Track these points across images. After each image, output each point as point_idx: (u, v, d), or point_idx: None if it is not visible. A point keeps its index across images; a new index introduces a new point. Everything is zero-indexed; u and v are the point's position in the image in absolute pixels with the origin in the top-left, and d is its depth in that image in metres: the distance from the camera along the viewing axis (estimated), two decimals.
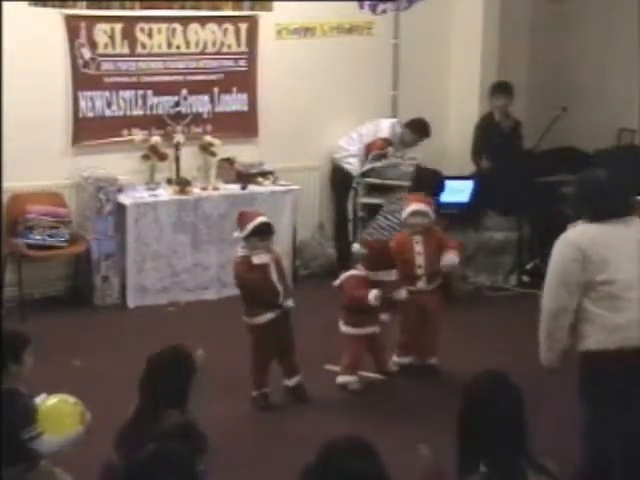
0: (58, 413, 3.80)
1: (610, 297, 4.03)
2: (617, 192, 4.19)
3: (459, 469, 2.95)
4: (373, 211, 8.03)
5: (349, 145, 7.97)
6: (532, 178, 7.79)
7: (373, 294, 5.45)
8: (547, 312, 4.12)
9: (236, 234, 5.52)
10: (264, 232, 5.39)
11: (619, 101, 8.51)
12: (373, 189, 8.02)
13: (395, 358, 5.97)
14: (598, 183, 4.21)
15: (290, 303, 5.45)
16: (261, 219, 5.42)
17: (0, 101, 6.35)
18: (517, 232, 7.82)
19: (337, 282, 5.74)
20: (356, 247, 6.15)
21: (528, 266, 7.61)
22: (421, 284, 5.90)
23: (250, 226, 5.37)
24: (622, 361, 4.00)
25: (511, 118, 7.90)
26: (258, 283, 5.36)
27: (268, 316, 5.39)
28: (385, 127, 7.97)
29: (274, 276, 5.40)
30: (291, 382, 5.57)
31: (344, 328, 5.67)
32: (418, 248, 5.89)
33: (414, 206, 5.92)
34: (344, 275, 5.75)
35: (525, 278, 7.55)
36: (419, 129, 7.89)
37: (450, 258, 5.86)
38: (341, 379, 5.69)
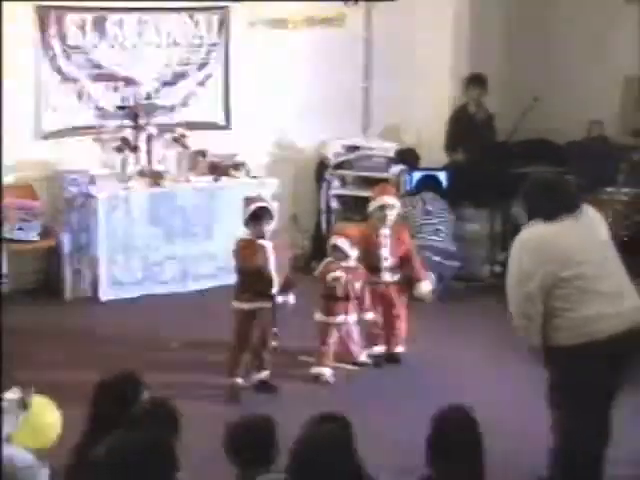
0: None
1: (579, 291, 4.02)
2: (564, 189, 4.21)
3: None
4: (346, 202, 8.08)
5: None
6: (505, 170, 7.83)
7: (335, 273, 5.55)
8: (523, 295, 4.05)
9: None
10: (258, 217, 5.40)
11: (589, 93, 8.56)
12: (346, 181, 8.08)
13: (365, 350, 6.00)
14: (545, 183, 4.26)
15: (291, 300, 5.47)
16: (256, 204, 5.45)
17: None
18: (490, 223, 7.86)
19: (317, 272, 5.78)
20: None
21: (500, 257, 7.65)
22: (385, 275, 5.94)
23: (247, 211, 5.41)
24: (594, 353, 4.00)
25: (484, 110, 7.94)
26: (253, 265, 5.35)
27: (256, 304, 5.40)
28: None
29: (271, 264, 5.38)
30: (258, 376, 5.58)
31: (318, 316, 5.72)
32: (385, 241, 5.92)
33: (381, 200, 5.96)
34: (322, 263, 5.77)
35: (497, 269, 7.58)
36: (403, 159, 7.92)
37: (424, 287, 5.98)
38: (315, 370, 5.71)
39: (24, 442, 3.78)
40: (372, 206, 5.99)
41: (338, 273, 5.60)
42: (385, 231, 5.93)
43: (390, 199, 5.97)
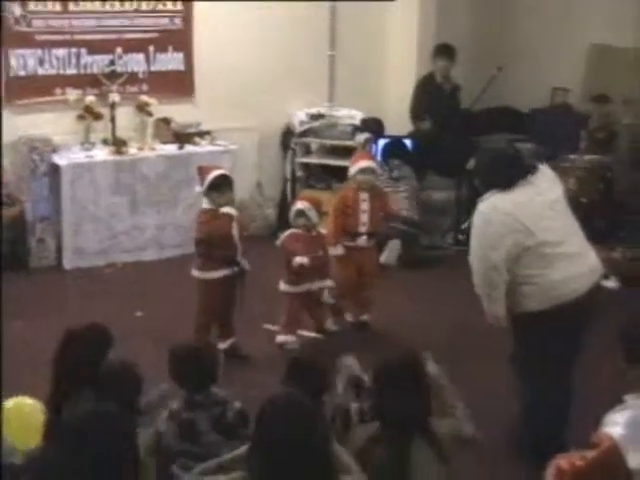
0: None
1: (543, 257, 4.10)
2: (515, 157, 4.27)
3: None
4: (311, 171, 8.09)
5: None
6: (470, 138, 7.86)
7: (300, 259, 5.51)
8: (488, 265, 4.11)
9: (197, 189, 5.50)
10: (222, 185, 5.37)
11: (553, 61, 8.61)
12: (311, 149, 8.09)
13: (331, 317, 6.03)
14: (496, 154, 4.32)
15: (245, 265, 5.46)
16: (217, 172, 5.41)
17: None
18: (455, 191, 7.90)
19: (278, 242, 5.77)
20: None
21: (464, 225, 7.71)
22: (361, 241, 5.96)
23: (207, 181, 5.36)
24: (562, 315, 4.08)
25: (451, 81, 7.94)
26: (220, 234, 5.32)
27: (223, 272, 5.40)
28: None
29: (235, 231, 5.39)
30: (225, 344, 5.59)
31: (282, 286, 5.73)
32: (364, 206, 5.93)
33: (363, 163, 5.96)
34: (285, 234, 5.78)
35: (461, 237, 7.65)
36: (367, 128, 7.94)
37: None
38: (280, 338, 5.73)
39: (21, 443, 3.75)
40: (352, 170, 5.97)
41: (303, 260, 5.55)
42: (364, 195, 5.94)
43: (371, 162, 6.00)
